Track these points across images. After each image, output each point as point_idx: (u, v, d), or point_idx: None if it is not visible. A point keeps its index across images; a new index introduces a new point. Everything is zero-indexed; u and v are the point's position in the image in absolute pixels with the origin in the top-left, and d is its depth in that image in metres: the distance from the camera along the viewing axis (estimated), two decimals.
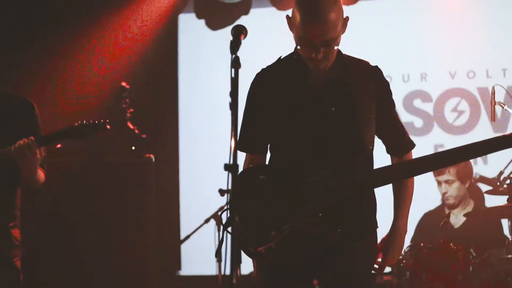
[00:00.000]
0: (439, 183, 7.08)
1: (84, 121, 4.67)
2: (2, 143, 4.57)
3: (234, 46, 3.33)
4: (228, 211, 3.71)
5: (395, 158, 3.96)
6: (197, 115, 8.34)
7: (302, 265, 3.74)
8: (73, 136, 4.65)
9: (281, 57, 3.88)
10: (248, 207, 3.60)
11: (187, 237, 7.20)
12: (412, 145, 3.95)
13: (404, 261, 6.28)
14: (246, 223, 3.57)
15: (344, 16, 3.67)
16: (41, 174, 4.72)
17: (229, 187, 3.10)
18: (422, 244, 6.28)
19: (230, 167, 3.09)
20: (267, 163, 3.90)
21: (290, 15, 3.71)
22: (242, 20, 8.15)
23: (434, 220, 7.03)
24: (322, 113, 3.74)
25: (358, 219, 3.75)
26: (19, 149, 4.50)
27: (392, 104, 3.89)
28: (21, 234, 4.76)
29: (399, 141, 3.94)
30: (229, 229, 3.57)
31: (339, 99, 3.73)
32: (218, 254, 3.69)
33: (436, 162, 3.86)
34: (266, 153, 3.91)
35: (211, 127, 8.18)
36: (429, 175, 7.25)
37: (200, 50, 8.35)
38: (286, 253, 3.66)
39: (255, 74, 3.86)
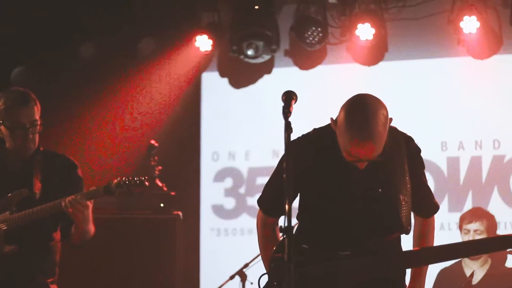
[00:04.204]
0: (467, 231, 6.89)
1: (124, 178, 4.63)
2: (46, 198, 4.61)
3: (287, 111, 3.40)
4: (268, 276, 3.80)
5: (420, 219, 4.04)
6: (218, 174, 8.36)
7: None
8: (111, 192, 4.62)
9: (316, 129, 3.89)
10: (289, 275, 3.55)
11: None
12: (437, 208, 4.06)
13: None
14: None
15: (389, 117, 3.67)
16: (91, 227, 4.75)
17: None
18: None
19: (286, 230, 3.18)
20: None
21: (335, 118, 3.70)
22: (265, 79, 8.23)
23: (452, 277, 6.92)
24: (365, 193, 3.78)
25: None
26: (71, 204, 4.50)
27: (422, 169, 3.97)
28: None
29: (427, 204, 4.03)
30: None
31: (381, 179, 3.78)
32: None
33: (469, 250, 4.02)
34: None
35: (230, 185, 8.30)
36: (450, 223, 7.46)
37: (224, 108, 8.37)
38: None
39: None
